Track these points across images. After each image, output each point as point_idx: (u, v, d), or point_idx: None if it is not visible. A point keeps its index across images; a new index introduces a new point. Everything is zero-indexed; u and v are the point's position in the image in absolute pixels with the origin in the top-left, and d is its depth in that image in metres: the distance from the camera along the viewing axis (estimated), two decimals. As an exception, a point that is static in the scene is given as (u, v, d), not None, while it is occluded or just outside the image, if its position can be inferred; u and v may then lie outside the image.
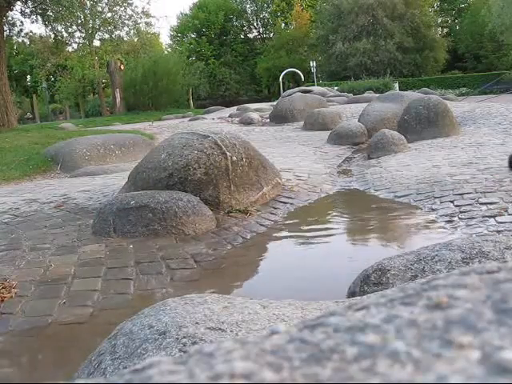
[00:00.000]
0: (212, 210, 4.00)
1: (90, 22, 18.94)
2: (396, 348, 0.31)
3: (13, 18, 17.34)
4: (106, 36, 20.52)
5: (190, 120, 15.12)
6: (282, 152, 7.00)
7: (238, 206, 4.20)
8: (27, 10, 16.87)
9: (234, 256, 3.55)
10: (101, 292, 3.07)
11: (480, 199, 3.97)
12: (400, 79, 30.07)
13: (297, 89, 16.51)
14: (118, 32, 20.33)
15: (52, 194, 5.09)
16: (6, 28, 16.63)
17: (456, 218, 3.77)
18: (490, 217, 3.64)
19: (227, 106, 20.96)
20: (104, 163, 8.15)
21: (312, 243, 3.64)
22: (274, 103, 15.04)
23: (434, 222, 3.83)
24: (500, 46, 31.69)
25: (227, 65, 43.74)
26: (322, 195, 4.93)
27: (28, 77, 40.60)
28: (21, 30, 19.22)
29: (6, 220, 4.27)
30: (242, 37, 47.56)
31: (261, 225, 4.09)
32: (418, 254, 2.11)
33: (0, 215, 4.43)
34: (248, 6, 47.93)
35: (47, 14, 17.23)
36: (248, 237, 3.87)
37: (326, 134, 8.42)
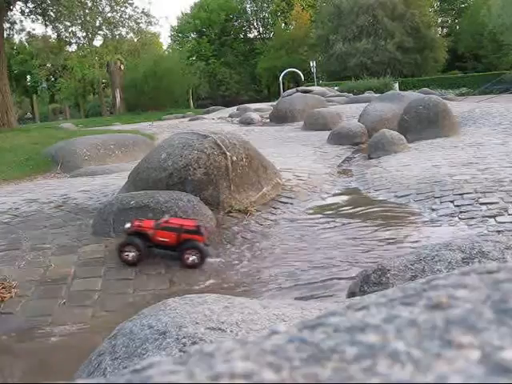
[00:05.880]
0: (212, 210, 4.00)
1: (91, 21, 18.94)
2: (396, 348, 0.31)
3: (12, 18, 17.35)
4: (107, 35, 20.51)
5: (190, 120, 15.11)
6: (281, 152, 7.00)
7: (238, 206, 4.20)
8: (27, 10, 16.88)
9: (234, 256, 3.55)
10: (101, 292, 3.07)
11: (480, 199, 3.97)
12: (400, 79, 30.06)
13: (296, 89, 16.50)
14: (118, 32, 20.33)
15: (52, 194, 5.09)
16: (6, 27, 16.63)
17: (456, 218, 3.77)
18: (490, 217, 3.64)
19: (227, 106, 20.93)
20: (104, 163, 8.14)
21: (312, 242, 3.64)
22: (274, 103, 15.03)
23: (434, 221, 3.83)
24: (500, 46, 31.66)
25: (227, 65, 43.71)
26: (322, 195, 4.93)
27: (28, 77, 40.59)
28: (21, 30, 19.22)
29: (6, 220, 4.27)
30: (242, 37, 47.54)
31: (260, 225, 4.09)
32: (418, 253, 2.11)
33: (0, 215, 4.43)
34: (248, 5, 47.92)
35: (48, 14, 17.22)
36: (248, 237, 3.87)
37: (325, 134, 8.42)
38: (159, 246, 3.36)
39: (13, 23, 17.74)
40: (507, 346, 0.30)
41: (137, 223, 3.38)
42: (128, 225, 3.39)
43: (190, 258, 3.30)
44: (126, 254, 3.29)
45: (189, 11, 47.70)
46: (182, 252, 3.31)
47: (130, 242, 3.32)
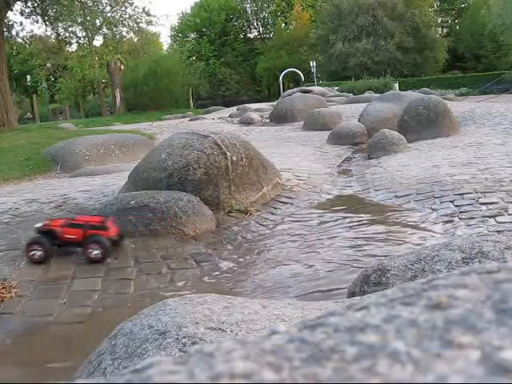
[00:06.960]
0: (212, 210, 4.00)
1: (91, 21, 18.96)
2: (396, 348, 0.31)
3: (12, 18, 17.36)
4: (107, 35, 20.55)
5: (190, 120, 15.10)
6: (282, 152, 7.00)
7: (238, 206, 4.20)
8: (27, 10, 16.89)
9: (234, 256, 3.55)
10: (101, 292, 3.07)
11: (480, 199, 3.97)
12: (400, 79, 30.02)
13: (296, 89, 16.50)
14: (118, 31, 20.36)
15: (52, 194, 5.09)
16: (5, 28, 16.63)
17: (456, 218, 3.77)
18: (490, 217, 3.64)
19: (227, 106, 20.92)
20: (104, 163, 8.14)
21: (312, 242, 3.64)
22: (274, 103, 15.02)
23: (434, 221, 3.83)
24: (500, 46, 31.64)
25: (227, 65, 43.69)
26: (322, 195, 4.93)
27: (28, 77, 40.56)
28: (18, 32, 19.24)
29: (6, 220, 4.27)
30: (242, 37, 47.51)
31: (260, 225, 4.09)
32: (418, 253, 2.11)
33: (0, 215, 4.42)
34: (248, 5, 47.88)
35: (47, 14, 17.22)
36: (248, 237, 3.87)
37: (325, 134, 8.42)
38: (67, 243, 3.43)
39: (12, 24, 17.74)
40: (507, 345, 0.30)
41: (46, 222, 3.50)
42: (39, 224, 3.50)
43: (93, 253, 3.33)
44: (32, 252, 3.34)
45: (189, 11, 47.69)
46: (85, 247, 3.35)
47: (36, 240, 3.39)
